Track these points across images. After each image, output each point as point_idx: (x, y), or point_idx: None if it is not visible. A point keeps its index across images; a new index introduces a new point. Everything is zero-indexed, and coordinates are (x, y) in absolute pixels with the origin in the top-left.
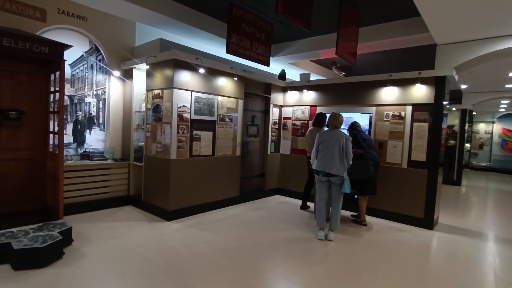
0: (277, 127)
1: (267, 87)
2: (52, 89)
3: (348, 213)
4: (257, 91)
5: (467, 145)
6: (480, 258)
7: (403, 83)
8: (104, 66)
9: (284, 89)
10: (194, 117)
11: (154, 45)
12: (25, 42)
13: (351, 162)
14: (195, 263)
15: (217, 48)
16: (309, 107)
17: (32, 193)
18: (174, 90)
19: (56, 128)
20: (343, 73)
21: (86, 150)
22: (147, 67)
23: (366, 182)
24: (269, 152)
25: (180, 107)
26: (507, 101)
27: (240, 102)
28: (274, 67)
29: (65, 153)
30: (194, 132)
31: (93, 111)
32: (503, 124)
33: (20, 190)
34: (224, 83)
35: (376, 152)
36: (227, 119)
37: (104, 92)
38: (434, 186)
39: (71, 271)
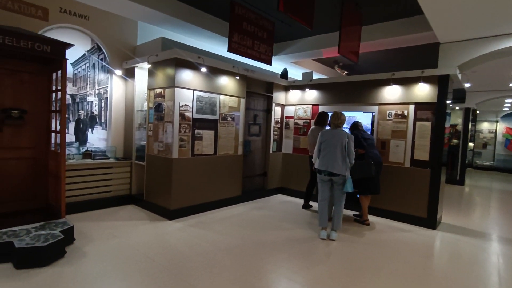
0: (279, 126)
1: (269, 86)
2: (54, 88)
3: (350, 213)
4: (259, 90)
5: (471, 144)
6: (483, 258)
7: (406, 82)
8: (106, 65)
9: (286, 88)
10: (196, 116)
11: (156, 44)
12: (27, 41)
13: (353, 162)
14: (197, 263)
15: (219, 47)
16: (311, 106)
17: (34, 192)
18: (176, 89)
19: (58, 127)
20: (346, 72)
21: (88, 149)
22: (149, 66)
23: (367, 182)
24: (271, 151)
25: (182, 106)
26: (511, 100)
27: (242, 101)
28: (276, 66)
29: (67, 152)
30: (196, 131)
31: (95, 110)
32: (507, 123)
33: (22, 189)
34: (226, 82)
35: (378, 151)
36: (229, 118)
37: (106, 91)
38: (437, 185)
39: (73, 270)
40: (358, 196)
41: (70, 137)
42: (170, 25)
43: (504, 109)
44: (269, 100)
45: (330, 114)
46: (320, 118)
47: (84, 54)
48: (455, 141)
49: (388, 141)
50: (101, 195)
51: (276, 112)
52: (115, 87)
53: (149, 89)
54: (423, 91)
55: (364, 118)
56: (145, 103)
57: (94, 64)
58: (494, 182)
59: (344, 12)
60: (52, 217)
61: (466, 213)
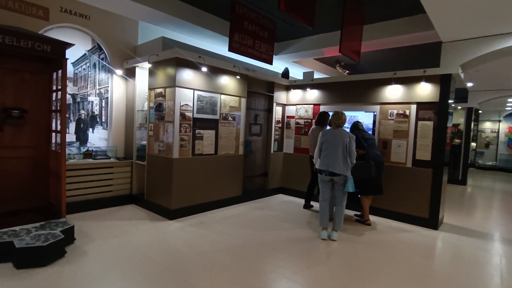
0: (280, 125)
1: (270, 86)
2: (54, 87)
3: (351, 213)
4: (260, 90)
5: (473, 144)
6: (485, 259)
7: (408, 81)
8: (107, 64)
9: (288, 88)
10: (196, 115)
11: (157, 44)
12: (27, 40)
13: (354, 161)
14: (197, 262)
15: (219, 47)
16: (312, 105)
17: (34, 192)
18: (177, 88)
19: (59, 127)
20: (347, 72)
21: (89, 149)
22: (150, 65)
23: (368, 182)
24: (272, 151)
25: (182, 105)
26: None
27: (243, 100)
28: (278, 65)
29: (68, 151)
30: (196, 131)
31: (96, 110)
32: (509, 122)
33: (23, 188)
34: (227, 82)
35: (380, 151)
36: (230, 118)
37: (107, 90)
38: (439, 185)
39: (73, 270)
40: (359, 196)
41: (71, 136)
42: (170, 24)
43: (506, 108)
44: (270, 100)
45: (331, 114)
46: (321, 118)
47: (85, 54)
48: (457, 140)
49: (390, 141)
50: (102, 195)
51: (277, 111)
52: (116, 86)
53: (150, 88)
54: (425, 90)
55: (365, 117)
56: (146, 103)
57: (94, 64)
58: (496, 182)
59: (346, 11)
60: (52, 217)
61: (468, 214)
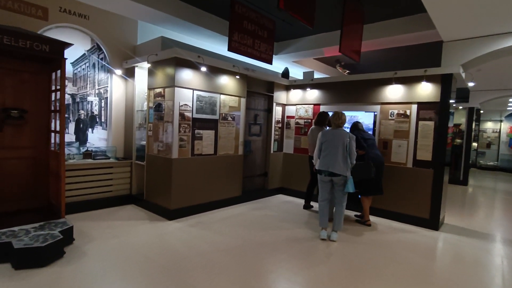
0: (280, 126)
1: (270, 86)
2: (53, 87)
3: (352, 213)
4: (259, 90)
5: (474, 144)
6: (487, 260)
7: (409, 81)
8: (106, 64)
9: (287, 88)
10: (196, 115)
11: (156, 43)
12: (26, 40)
13: (354, 162)
14: (197, 263)
15: (219, 46)
16: (312, 105)
17: (34, 192)
18: (176, 88)
19: (58, 127)
20: (347, 71)
21: (89, 149)
22: (149, 65)
23: (368, 183)
24: (271, 151)
25: (181, 105)
26: None
27: (243, 100)
28: (277, 65)
29: (67, 152)
30: (196, 131)
31: (95, 110)
32: (511, 122)
33: (23, 188)
34: (226, 82)
35: (380, 151)
36: (229, 118)
37: (106, 90)
38: (440, 186)
39: (72, 270)
40: (359, 196)
41: (70, 137)
42: (170, 24)
43: (508, 108)
44: (270, 100)
45: (330, 114)
46: (320, 118)
47: (84, 54)
48: (458, 140)
49: (390, 141)
50: (101, 195)
51: (277, 111)
52: (115, 86)
53: (149, 88)
54: (426, 90)
55: (366, 117)
56: (145, 103)
57: (94, 64)
58: (498, 182)
59: (346, 10)
60: (52, 217)
61: (469, 214)
